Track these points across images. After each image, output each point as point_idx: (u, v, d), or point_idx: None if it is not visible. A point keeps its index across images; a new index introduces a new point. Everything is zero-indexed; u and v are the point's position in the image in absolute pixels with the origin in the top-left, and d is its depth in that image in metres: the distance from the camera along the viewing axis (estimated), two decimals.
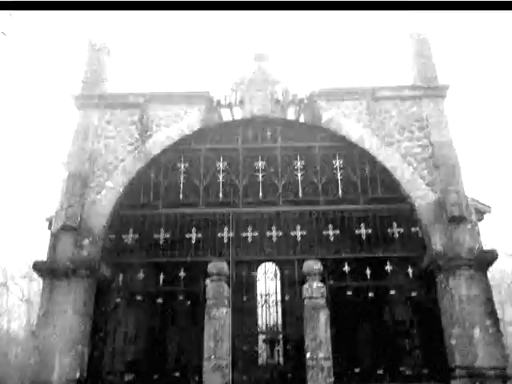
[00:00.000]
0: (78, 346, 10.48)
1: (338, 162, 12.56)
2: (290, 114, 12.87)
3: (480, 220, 12.19)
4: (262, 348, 13.09)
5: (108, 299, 11.47)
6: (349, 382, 10.47)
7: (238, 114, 12.92)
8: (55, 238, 11.47)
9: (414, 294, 11.43)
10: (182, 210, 12.18)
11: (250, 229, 12.02)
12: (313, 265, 10.79)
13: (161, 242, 11.86)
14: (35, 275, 17.26)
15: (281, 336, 12.78)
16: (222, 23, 59.38)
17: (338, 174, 12.45)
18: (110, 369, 11.09)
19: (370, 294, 11.40)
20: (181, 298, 11.50)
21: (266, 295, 12.82)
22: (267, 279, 12.93)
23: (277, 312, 13.23)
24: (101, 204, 11.84)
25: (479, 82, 57.80)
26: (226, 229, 11.95)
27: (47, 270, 11.06)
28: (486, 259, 11.01)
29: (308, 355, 9.99)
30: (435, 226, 11.40)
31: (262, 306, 12.87)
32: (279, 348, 12.49)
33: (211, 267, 10.74)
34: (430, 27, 13.68)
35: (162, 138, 12.58)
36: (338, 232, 11.89)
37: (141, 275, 11.61)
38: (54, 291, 10.91)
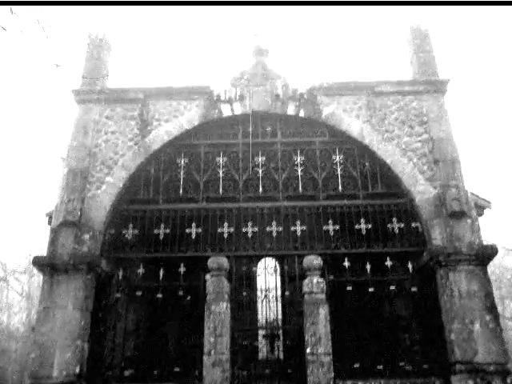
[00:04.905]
0: (77, 341, 10.50)
1: (338, 157, 12.55)
2: (290, 109, 12.86)
3: (480, 215, 12.19)
4: (261, 343, 13.08)
5: (108, 294, 11.48)
6: (349, 378, 10.46)
7: (238, 109, 12.91)
8: (55, 233, 11.47)
9: (414, 289, 11.44)
10: (182, 205, 12.19)
11: (249, 224, 12.01)
12: (313, 260, 10.82)
13: (161, 237, 11.84)
14: (35, 270, 17.29)
15: (281, 331, 12.77)
16: (221, 18, 59.22)
17: (338, 169, 12.45)
18: (110, 364, 11.10)
19: (370, 289, 11.42)
20: (181, 293, 11.47)
21: (265, 290, 12.78)
22: (267, 274, 12.88)
23: (277, 307, 13.19)
24: (101, 199, 11.84)
25: (479, 76, 57.78)
26: (226, 224, 11.95)
27: (47, 265, 11.06)
28: (486, 254, 11.01)
29: (308, 350, 10.03)
30: (435, 221, 11.41)
31: (262, 301, 12.82)
32: (279, 343, 12.48)
33: (211, 262, 10.76)
34: (431, 22, 13.68)
35: (162, 133, 12.58)
36: (338, 227, 11.89)
37: (141, 270, 11.62)
38: (54, 286, 10.92)
